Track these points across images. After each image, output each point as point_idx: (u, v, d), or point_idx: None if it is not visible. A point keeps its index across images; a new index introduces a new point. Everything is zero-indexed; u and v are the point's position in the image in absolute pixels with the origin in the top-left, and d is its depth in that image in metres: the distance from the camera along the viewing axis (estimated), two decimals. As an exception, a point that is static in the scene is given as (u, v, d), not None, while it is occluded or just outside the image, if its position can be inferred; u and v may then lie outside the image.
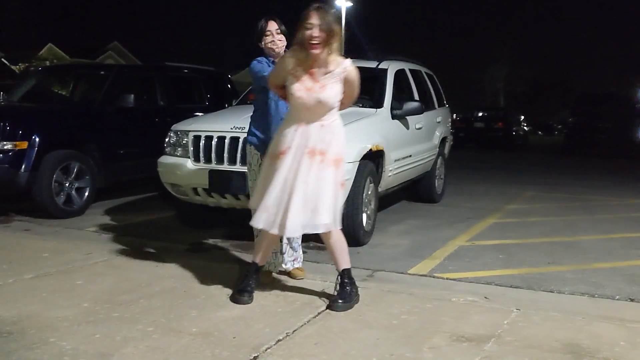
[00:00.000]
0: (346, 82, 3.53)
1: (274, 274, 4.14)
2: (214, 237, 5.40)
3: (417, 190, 7.48)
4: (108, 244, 5.03)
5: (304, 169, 3.46)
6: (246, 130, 4.24)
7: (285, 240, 4.08)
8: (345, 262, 3.67)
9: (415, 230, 6.03)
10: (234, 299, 3.66)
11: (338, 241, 3.64)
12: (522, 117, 22.00)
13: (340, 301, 3.58)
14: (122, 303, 3.56)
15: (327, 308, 3.57)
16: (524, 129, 22.27)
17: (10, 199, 6.61)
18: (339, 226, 3.59)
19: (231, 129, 4.98)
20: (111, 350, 2.89)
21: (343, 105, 3.62)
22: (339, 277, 3.67)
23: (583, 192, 9.29)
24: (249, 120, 4.09)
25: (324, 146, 3.48)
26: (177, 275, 4.16)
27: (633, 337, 3.22)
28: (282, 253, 4.11)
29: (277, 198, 3.48)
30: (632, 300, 3.93)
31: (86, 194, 6.39)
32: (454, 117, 14.02)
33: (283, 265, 4.15)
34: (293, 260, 4.17)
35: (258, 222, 3.53)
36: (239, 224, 5.82)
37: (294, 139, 3.47)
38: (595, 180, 11.20)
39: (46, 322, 3.22)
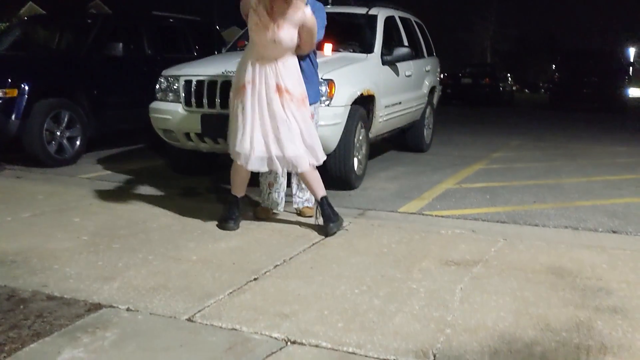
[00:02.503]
0: (303, 28, 3.67)
1: (272, 212, 4.24)
2: (207, 183, 5.48)
3: (405, 140, 7.57)
4: (102, 188, 5.08)
5: (274, 106, 3.64)
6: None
7: (294, 181, 4.22)
8: (322, 190, 3.91)
9: (403, 175, 6.14)
10: (221, 226, 3.88)
11: (313, 172, 3.87)
12: (509, 75, 22.01)
13: (331, 223, 3.81)
14: (120, 236, 3.65)
15: (322, 234, 3.77)
16: (511, 86, 22.35)
17: (1, 150, 6.61)
18: (321, 161, 3.84)
19: (222, 72, 4.98)
20: (114, 275, 2.99)
21: (301, 49, 3.78)
22: (319, 206, 3.89)
23: (567, 141, 9.46)
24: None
25: (287, 84, 3.67)
26: (172, 214, 4.24)
27: (614, 261, 3.38)
28: (293, 193, 4.28)
29: (246, 131, 3.67)
30: (614, 232, 4.09)
31: (77, 143, 6.40)
32: (441, 75, 14.14)
33: (294, 205, 4.31)
34: (305, 200, 4.29)
35: (232, 153, 3.78)
36: (229, 171, 5.90)
37: (254, 74, 3.66)
38: (580, 131, 11.37)
39: (48, 253, 3.30)
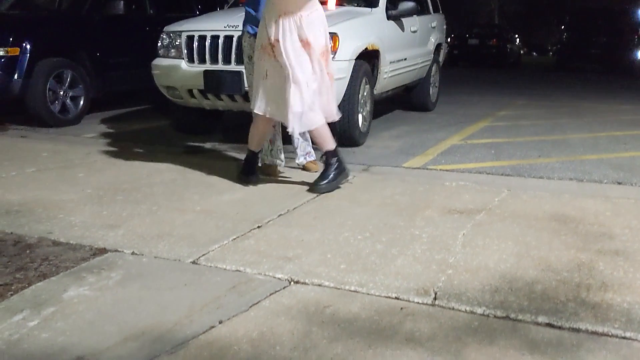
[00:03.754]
0: None
1: (278, 168, 4.24)
2: (211, 141, 5.47)
3: (411, 98, 7.51)
4: (106, 147, 5.09)
5: (300, 60, 3.51)
6: (240, 28, 4.21)
7: (296, 136, 4.18)
8: (329, 144, 3.77)
9: (408, 134, 6.11)
10: (245, 180, 3.83)
11: (325, 127, 3.75)
12: (517, 36, 21.68)
13: (323, 183, 3.70)
14: (124, 190, 3.67)
15: (309, 189, 3.69)
16: (518, 47, 22.03)
17: (5, 111, 6.62)
18: (337, 117, 3.74)
19: (224, 27, 4.94)
20: (118, 223, 3.01)
21: None
22: (323, 157, 3.80)
23: (574, 100, 9.36)
24: (243, 18, 4.07)
25: (310, 38, 3.53)
26: (176, 169, 4.25)
27: (617, 209, 3.38)
28: (295, 148, 4.22)
29: (274, 88, 3.55)
30: (619, 183, 4.08)
31: (81, 102, 6.40)
32: (448, 40, 13.85)
33: (297, 160, 4.26)
34: (305, 155, 4.26)
35: (257, 107, 3.63)
36: (234, 130, 5.89)
37: (278, 30, 3.50)
38: (586, 91, 11.24)
39: (52, 203, 3.33)
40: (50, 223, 2.99)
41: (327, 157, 3.78)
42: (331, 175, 3.72)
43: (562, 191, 3.79)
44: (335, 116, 3.76)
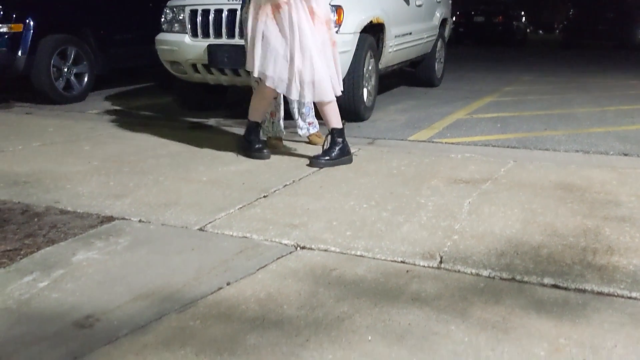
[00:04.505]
0: None
1: (282, 140, 4.23)
2: (216, 117, 5.46)
3: (416, 74, 7.47)
4: (111, 122, 5.10)
5: (309, 27, 3.48)
6: (243, 1, 4.18)
7: (295, 106, 4.16)
8: (336, 121, 3.71)
9: (414, 108, 6.09)
10: (256, 156, 3.77)
11: (334, 101, 3.70)
12: (523, 13, 21.39)
13: (323, 158, 3.64)
14: (130, 162, 3.68)
15: (308, 164, 3.64)
16: (525, 25, 21.78)
17: (10, 88, 6.63)
18: (333, 96, 3.64)
19: (228, 1, 4.90)
20: (125, 193, 3.03)
21: None
22: (329, 136, 3.72)
23: (581, 76, 9.28)
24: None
25: (314, 5, 3.49)
26: (182, 143, 4.26)
27: (623, 178, 3.37)
28: (295, 120, 4.22)
29: (277, 53, 3.51)
30: (625, 154, 4.06)
31: (85, 79, 6.40)
32: (453, 18, 13.67)
33: (299, 132, 4.25)
34: (309, 125, 4.25)
35: (254, 69, 3.55)
36: (239, 105, 5.88)
37: None
38: (593, 66, 11.13)
39: (60, 175, 3.35)
40: (58, 193, 3.00)
41: (333, 135, 3.71)
42: (334, 154, 3.66)
43: (569, 162, 3.77)
44: (339, 90, 3.71)
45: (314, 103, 3.77)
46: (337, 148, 3.69)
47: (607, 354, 1.60)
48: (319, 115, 3.87)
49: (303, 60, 3.48)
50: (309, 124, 4.25)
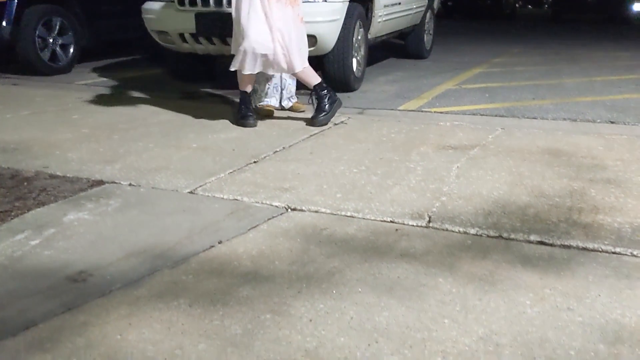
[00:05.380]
0: None
1: (274, 109, 4.23)
2: (206, 87, 5.43)
3: (405, 46, 7.45)
4: (99, 92, 5.06)
5: (272, 5, 3.58)
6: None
7: (273, 80, 4.18)
8: (315, 79, 3.87)
9: (403, 79, 6.09)
10: (241, 124, 3.82)
11: (307, 68, 3.85)
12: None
13: (321, 116, 3.81)
14: (120, 130, 3.67)
15: (308, 123, 3.81)
16: (514, -2, 21.74)
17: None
18: (305, 64, 3.82)
19: (216, -32, 4.84)
20: (115, 159, 3.03)
21: None
22: (313, 94, 3.88)
23: (569, 48, 9.30)
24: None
25: None
26: (172, 112, 4.24)
27: (610, 144, 3.41)
28: (277, 92, 4.23)
29: (242, 29, 3.63)
30: (612, 122, 4.10)
31: (71, 50, 6.32)
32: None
33: (283, 103, 4.28)
34: (290, 97, 4.27)
35: (234, 64, 3.72)
36: (228, 76, 5.84)
37: None
38: (582, 39, 11.15)
39: (49, 142, 3.34)
40: (47, 159, 3.00)
41: (317, 91, 3.87)
42: (326, 106, 3.83)
43: (556, 129, 3.81)
44: (301, 65, 3.78)
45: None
46: (326, 100, 3.86)
47: (591, 302, 1.64)
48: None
49: (267, 35, 3.61)
50: (291, 96, 4.29)
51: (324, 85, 3.91)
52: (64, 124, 3.81)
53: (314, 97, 3.89)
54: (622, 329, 1.50)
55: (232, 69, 3.74)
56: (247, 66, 3.66)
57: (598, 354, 1.40)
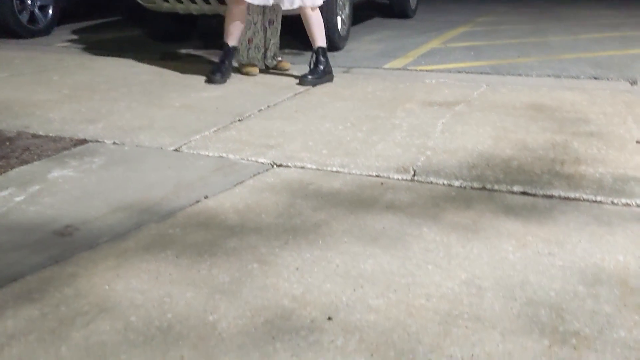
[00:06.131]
0: None
1: (257, 68, 4.19)
2: (187, 48, 5.35)
3: (390, 5, 7.38)
4: (79, 53, 4.98)
5: None
6: None
7: (257, 38, 4.13)
8: (321, 40, 3.82)
9: (388, 38, 6.04)
10: (208, 79, 3.83)
11: (317, 16, 3.80)
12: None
13: (310, 76, 3.79)
14: (101, 90, 3.62)
15: (298, 82, 3.79)
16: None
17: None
18: (319, 2, 3.80)
19: None
20: (98, 118, 2.99)
21: None
22: (314, 55, 3.83)
23: (555, 6, 9.26)
24: None
25: None
26: (153, 72, 4.18)
27: (593, 99, 3.43)
28: (264, 48, 4.18)
29: None
30: (595, 78, 4.12)
31: (50, 12, 6.17)
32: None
33: (266, 62, 4.23)
34: (273, 57, 4.23)
35: None
36: (211, 36, 5.76)
37: None
38: None
39: (29, 103, 3.28)
40: (28, 119, 2.95)
41: (318, 54, 3.84)
42: (320, 72, 3.82)
43: (540, 85, 3.82)
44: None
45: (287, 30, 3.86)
46: (322, 67, 3.83)
47: (572, 247, 1.68)
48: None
49: None
50: (275, 55, 4.25)
51: (326, 52, 3.89)
52: (44, 85, 3.74)
53: (314, 59, 3.84)
54: (601, 272, 1.54)
55: None
56: None
57: (577, 294, 1.44)
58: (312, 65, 3.83)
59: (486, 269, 1.56)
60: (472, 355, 1.22)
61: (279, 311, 1.38)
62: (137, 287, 1.45)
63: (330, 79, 3.88)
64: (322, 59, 3.81)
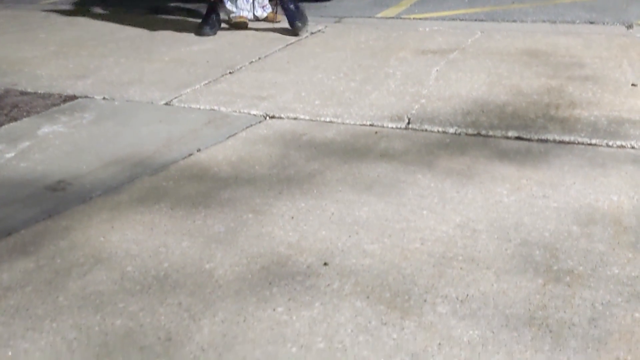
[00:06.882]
0: None
1: (247, 20, 4.11)
2: (175, 1, 5.23)
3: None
4: (64, 11, 4.85)
5: None
6: None
7: None
8: None
9: (380, -12, 5.91)
10: (197, 32, 3.77)
11: None
12: None
13: (297, 22, 3.71)
14: (89, 46, 3.54)
15: (291, 35, 3.71)
16: None
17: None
18: None
19: None
20: (86, 74, 2.94)
21: None
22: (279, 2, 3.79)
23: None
24: None
25: None
26: (141, 27, 4.09)
27: (588, 43, 3.38)
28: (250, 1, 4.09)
29: None
30: (591, 22, 4.05)
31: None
32: None
33: (256, 13, 4.14)
34: (263, 7, 4.14)
35: None
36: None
37: None
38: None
39: (16, 60, 3.22)
40: (16, 76, 2.90)
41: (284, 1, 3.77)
42: (298, 10, 3.74)
43: (535, 31, 3.76)
44: None
45: None
46: (292, 4, 3.75)
47: (566, 190, 1.68)
48: None
49: None
50: (264, 6, 4.16)
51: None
52: (31, 42, 3.67)
53: (278, 7, 3.81)
54: (595, 212, 1.55)
55: None
56: None
57: (571, 234, 1.44)
58: (286, 15, 3.76)
59: (480, 212, 1.57)
60: (467, 295, 1.23)
61: (275, 258, 1.38)
62: (133, 238, 1.45)
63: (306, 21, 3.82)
64: (288, 4, 3.75)
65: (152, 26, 4.06)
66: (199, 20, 3.90)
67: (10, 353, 1.08)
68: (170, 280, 1.29)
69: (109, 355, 1.07)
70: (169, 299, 1.23)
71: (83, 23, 4.26)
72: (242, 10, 4.07)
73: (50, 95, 2.61)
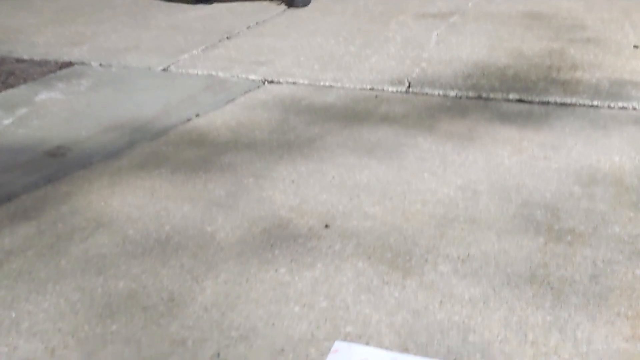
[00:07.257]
0: None
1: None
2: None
3: None
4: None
5: None
6: None
7: None
8: None
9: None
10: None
11: None
12: None
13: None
14: (85, 13, 3.49)
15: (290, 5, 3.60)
16: None
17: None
18: None
19: None
20: (83, 41, 2.90)
21: None
22: None
23: None
24: None
25: None
26: (137, -6, 4.04)
27: (590, 6, 3.34)
28: None
29: None
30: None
31: None
32: None
33: None
34: None
35: None
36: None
37: None
38: None
39: (11, 28, 3.17)
40: (11, 44, 2.86)
41: None
42: None
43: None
44: None
45: None
46: None
47: (567, 151, 1.67)
48: None
49: None
50: None
51: None
52: (26, 9, 3.61)
53: None
54: (596, 173, 1.54)
55: None
56: None
57: (573, 194, 1.44)
58: None
59: (482, 174, 1.56)
60: (468, 254, 1.23)
61: (277, 221, 1.38)
62: (134, 203, 1.45)
63: None
64: None
65: (148, -8, 4.00)
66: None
67: (14, 315, 1.09)
68: (172, 242, 1.29)
69: (112, 316, 1.08)
70: (171, 261, 1.23)
71: (77, -10, 4.20)
72: None
73: (46, 62, 2.57)
